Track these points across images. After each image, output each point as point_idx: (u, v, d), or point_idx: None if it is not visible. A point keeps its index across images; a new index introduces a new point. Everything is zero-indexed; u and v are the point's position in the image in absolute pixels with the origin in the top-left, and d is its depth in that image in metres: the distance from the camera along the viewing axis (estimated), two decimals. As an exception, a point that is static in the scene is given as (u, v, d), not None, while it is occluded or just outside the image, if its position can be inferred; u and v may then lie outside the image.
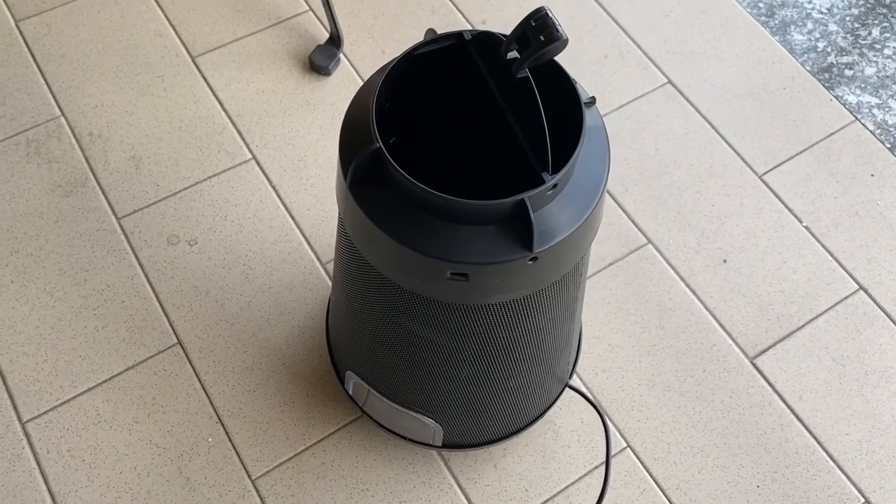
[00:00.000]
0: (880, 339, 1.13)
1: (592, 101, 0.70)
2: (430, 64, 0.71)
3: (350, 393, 1.01)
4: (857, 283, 1.17)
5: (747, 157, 1.27)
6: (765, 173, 1.26)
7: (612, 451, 1.04)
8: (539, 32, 0.61)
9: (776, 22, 1.40)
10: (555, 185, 0.64)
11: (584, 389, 1.08)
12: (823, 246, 1.20)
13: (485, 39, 0.69)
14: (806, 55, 1.37)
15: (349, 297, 0.83)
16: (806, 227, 1.21)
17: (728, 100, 1.32)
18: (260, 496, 1.00)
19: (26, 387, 1.05)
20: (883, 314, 1.15)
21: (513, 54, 0.65)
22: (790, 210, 1.23)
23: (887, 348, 1.12)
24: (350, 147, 0.68)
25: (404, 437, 0.98)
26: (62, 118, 1.24)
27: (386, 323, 0.79)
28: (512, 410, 0.94)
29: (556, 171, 0.64)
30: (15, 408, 1.04)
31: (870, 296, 1.16)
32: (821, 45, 1.38)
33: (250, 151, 1.23)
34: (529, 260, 0.65)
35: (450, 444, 0.97)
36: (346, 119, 0.71)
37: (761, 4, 1.42)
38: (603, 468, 1.02)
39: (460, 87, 0.73)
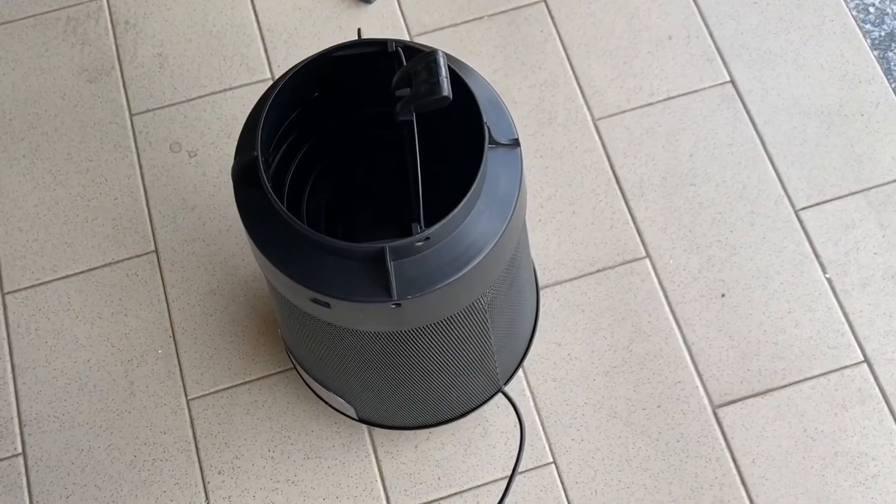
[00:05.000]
0: (866, 421, 1.03)
1: (514, 143, 0.64)
2: (354, 65, 0.66)
3: (287, 349, 1.02)
4: (864, 354, 1.06)
5: (790, 185, 1.14)
6: (803, 208, 1.13)
7: (534, 465, 1.02)
8: (424, 80, 0.55)
9: (882, 33, 1.22)
10: (427, 238, 0.60)
11: (527, 394, 1.05)
12: (840, 304, 1.08)
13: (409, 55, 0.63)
14: (903, 80, 1.19)
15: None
16: (828, 279, 1.09)
17: (792, 116, 1.17)
18: (191, 416, 1.05)
19: (13, 261, 1.12)
20: (880, 394, 1.04)
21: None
22: (817, 256, 1.11)
23: (870, 433, 1.02)
24: (244, 139, 0.65)
25: (327, 403, 0.99)
26: (104, 0, 1.26)
27: (289, 309, 0.78)
28: (429, 407, 0.93)
29: (435, 221, 0.59)
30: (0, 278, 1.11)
31: (873, 371, 1.05)
32: (926, 71, 1.20)
33: (270, 70, 1.21)
34: (392, 304, 0.62)
35: (368, 421, 0.97)
36: (259, 101, 0.67)
37: (872, 9, 1.23)
38: (517, 477, 1.00)
39: (380, 93, 0.68)
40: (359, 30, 0.64)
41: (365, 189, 0.78)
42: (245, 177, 0.63)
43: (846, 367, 1.05)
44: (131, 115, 1.19)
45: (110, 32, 1.24)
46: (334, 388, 0.88)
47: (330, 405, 0.99)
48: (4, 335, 1.09)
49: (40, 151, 1.17)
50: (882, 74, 1.19)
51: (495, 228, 0.63)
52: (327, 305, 0.63)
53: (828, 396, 1.04)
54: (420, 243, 0.60)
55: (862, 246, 1.11)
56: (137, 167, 1.16)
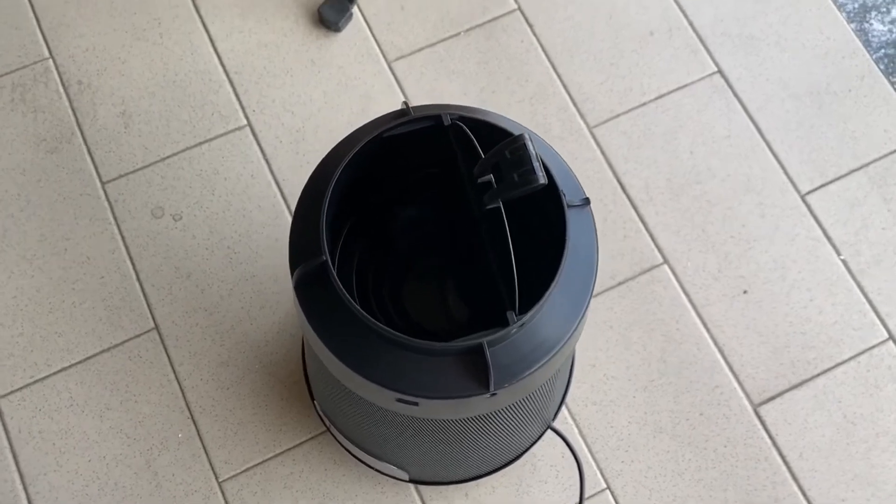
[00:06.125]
0: (901, 397, 1.04)
1: (585, 202, 0.60)
2: (400, 142, 0.61)
3: (320, 414, 0.97)
4: (889, 331, 1.07)
5: (792, 171, 1.14)
6: (808, 192, 1.13)
7: (588, 493, 1.00)
8: (514, 168, 0.51)
9: (856, 5, 1.22)
10: (521, 325, 0.56)
11: (570, 421, 1.02)
12: (858, 285, 1.09)
13: (466, 127, 0.58)
14: (883, 50, 1.20)
15: (311, 355, 0.77)
16: (843, 261, 1.10)
17: (783, 99, 1.17)
18: (225, 499, 0.99)
19: (1, 361, 1.03)
20: (910, 370, 1.06)
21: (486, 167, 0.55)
22: (829, 239, 1.11)
23: (906, 409, 1.04)
24: (300, 240, 0.60)
25: (372, 468, 0.95)
26: (50, 61, 1.16)
27: (349, 399, 0.73)
28: (484, 460, 0.89)
29: (526, 305, 0.56)
30: (-12, 381, 1.03)
31: (899, 347, 1.06)
32: (903, 38, 1.21)
33: (246, 117, 1.14)
34: (488, 395, 0.58)
35: (419, 481, 0.94)
36: (303, 197, 0.62)
37: (842, -19, 1.23)
38: (577, 511, 0.98)
39: (434, 167, 0.63)
40: (405, 103, 0.59)
41: (413, 263, 0.74)
42: (308, 281, 0.58)
43: (873, 346, 1.06)
44: (103, 183, 1.10)
45: (63, 96, 1.14)
46: (388, 459, 0.84)
47: (377, 470, 0.95)
48: (6, 443, 1.00)
49: (9, 236, 1.08)
50: (862, 47, 1.20)
51: (582, 295, 0.59)
52: (415, 404, 0.59)
53: (860, 379, 1.05)
54: (515, 330, 0.56)
55: (870, 223, 1.12)
56: (120, 239, 1.08)
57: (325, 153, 1.11)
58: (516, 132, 0.58)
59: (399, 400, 0.59)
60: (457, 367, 0.56)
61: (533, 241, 0.58)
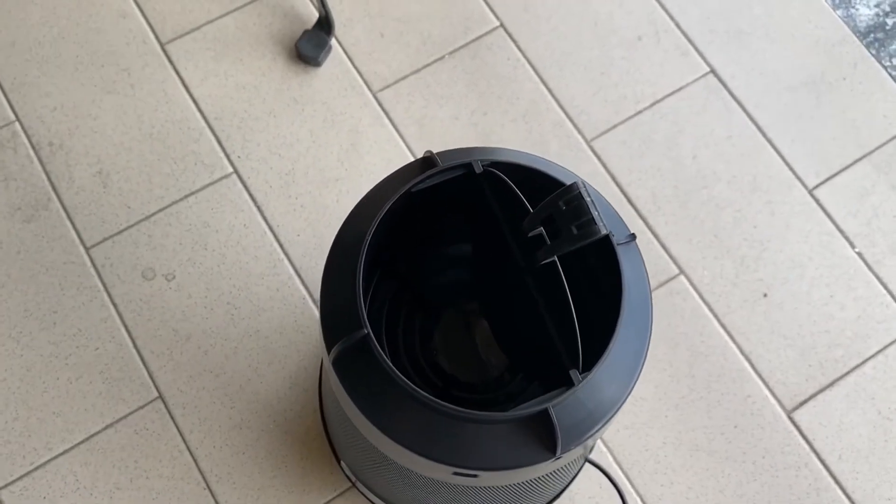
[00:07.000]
0: (933, 387, 1.02)
1: (631, 238, 0.57)
2: (430, 194, 0.57)
3: (346, 473, 0.92)
4: (913, 321, 1.05)
5: (797, 166, 1.11)
6: (815, 187, 1.11)
7: (633, 523, 0.96)
8: (572, 220, 0.47)
9: (840, -10, 1.20)
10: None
11: (604, 449, 0.99)
12: (877, 276, 1.07)
13: (499, 172, 0.54)
14: (872, 34, 1.18)
15: (341, 420, 0.73)
16: (858, 254, 1.08)
17: (779, 93, 1.14)
18: (253, 571, 0.94)
19: (-3, 449, 0.97)
20: (938, 358, 1.04)
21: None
22: (842, 232, 1.09)
23: (940, 399, 1.02)
24: (334, 312, 0.55)
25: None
26: (17, 124, 1.09)
27: (386, 465, 0.68)
28: None
29: (587, 363, 0.52)
30: (-14, 473, 0.96)
31: (925, 336, 1.04)
32: (891, 21, 1.19)
33: (231, 164, 1.09)
34: (553, 460, 0.54)
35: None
36: (331, 263, 0.57)
37: (824, -32, 1.21)
38: (622, 542, 0.94)
39: (466, 218, 0.59)
40: (430, 152, 0.54)
41: (441, 312, 0.69)
42: (348, 356, 0.53)
43: (900, 337, 1.04)
44: (87, 248, 1.04)
45: (35, 159, 1.08)
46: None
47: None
48: (11, 538, 0.94)
49: (-8, 315, 1.01)
50: (851, 34, 1.18)
51: (641, 340, 0.56)
52: (474, 476, 0.55)
53: (890, 372, 1.03)
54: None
55: (881, 212, 1.10)
56: (111, 306, 1.02)
57: (320, 192, 1.07)
58: (553, 173, 0.55)
59: (456, 473, 0.54)
60: (519, 434, 0.52)
61: (569, 282, 0.54)
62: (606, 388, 0.53)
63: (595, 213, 0.47)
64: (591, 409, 0.53)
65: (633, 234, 0.57)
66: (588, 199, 0.48)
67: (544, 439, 0.52)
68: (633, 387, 0.55)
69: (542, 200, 0.52)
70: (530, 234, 0.52)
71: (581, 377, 0.51)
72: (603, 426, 0.54)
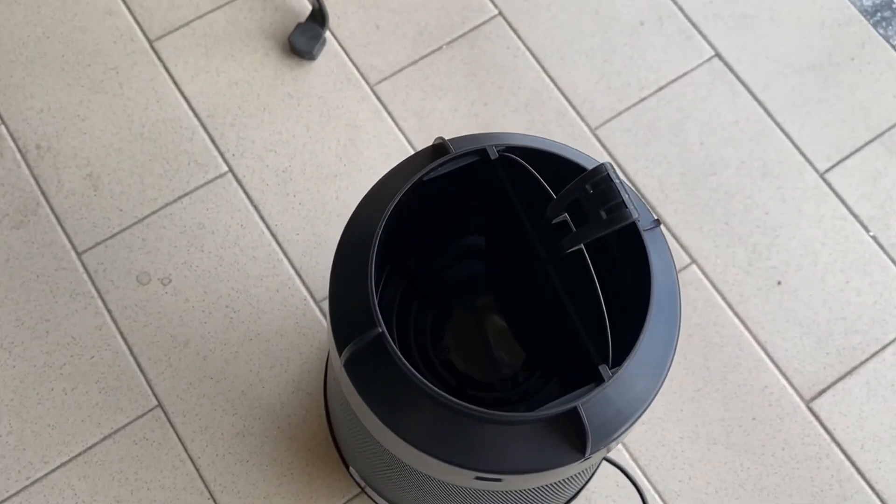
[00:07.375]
0: (954, 373, 1.00)
1: (655, 224, 0.54)
2: (441, 183, 0.54)
3: (355, 479, 0.89)
4: (931, 305, 1.02)
5: (807, 150, 1.08)
6: (827, 170, 1.08)
7: (652, 521, 0.93)
8: (600, 204, 0.44)
9: (844, -30, 1.17)
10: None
11: (619, 446, 0.96)
12: (893, 260, 1.04)
13: (516, 157, 0.51)
14: (879, 14, 1.15)
15: (351, 424, 0.69)
16: (873, 238, 1.05)
17: (786, 76, 1.12)
18: (261, 583, 0.90)
19: (-10, 465, 0.93)
20: (958, 342, 1.01)
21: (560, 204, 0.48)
22: (855, 216, 1.06)
23: (962, 384, 0.99)
24: (344, 311, 0.52)
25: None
26: (2, 127, 1.06)
27: (402, 469, 0.65)
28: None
29: (617, 357, 0.49)
30: (-20, 490, 0.93)
31: (944, 320, 1.02)
32: (897, -1, 1.16)
33: (226, 162, 1.05)
34: (582, 461, 0.51)
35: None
36: (339, 260, 0.54)
37: (827, -53, 1.19)
38: (641, 541, 0.91)
39: (479, 208, 0.56)
40: (441, 138, 0.51)
41: (452, 308, 0.66)
42: (361, 357, 0.50)
43: (918, 322, 1.02)
44: (79, 254, 1.01)
45: (22, 163, 1.04)
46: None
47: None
48: (8, 557, 0.90)
49: (-19, 326, 0.98)
50: (858, 14, 1.15)
51: (671, 331, 0.52)
52: (497, 480, 0.51)
53: (910, 358, 1.00)
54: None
55: (894, 194, 1.07)
56: (106, 313, 0.99)
57: (319, 189, 1.04)
58: (572, 157, 0.52)
59: (479, 478, 0.51)
60: (545, 434, 0.49)
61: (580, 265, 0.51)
62: (637, 384, 0.50)
63: (625, 196, 0.44)
64: (621, 406, 0.50)
65: (658, 220, 0.54)
66: (617, 182, 0.45)
67: (571, 439, 0.49)
68: (663, 381, 0.52)
69: (558, 187, 0.49)
70: (554, 222, 0.49)
71: (611, 372, 0.48)
72: (633, 423, 0.51)
